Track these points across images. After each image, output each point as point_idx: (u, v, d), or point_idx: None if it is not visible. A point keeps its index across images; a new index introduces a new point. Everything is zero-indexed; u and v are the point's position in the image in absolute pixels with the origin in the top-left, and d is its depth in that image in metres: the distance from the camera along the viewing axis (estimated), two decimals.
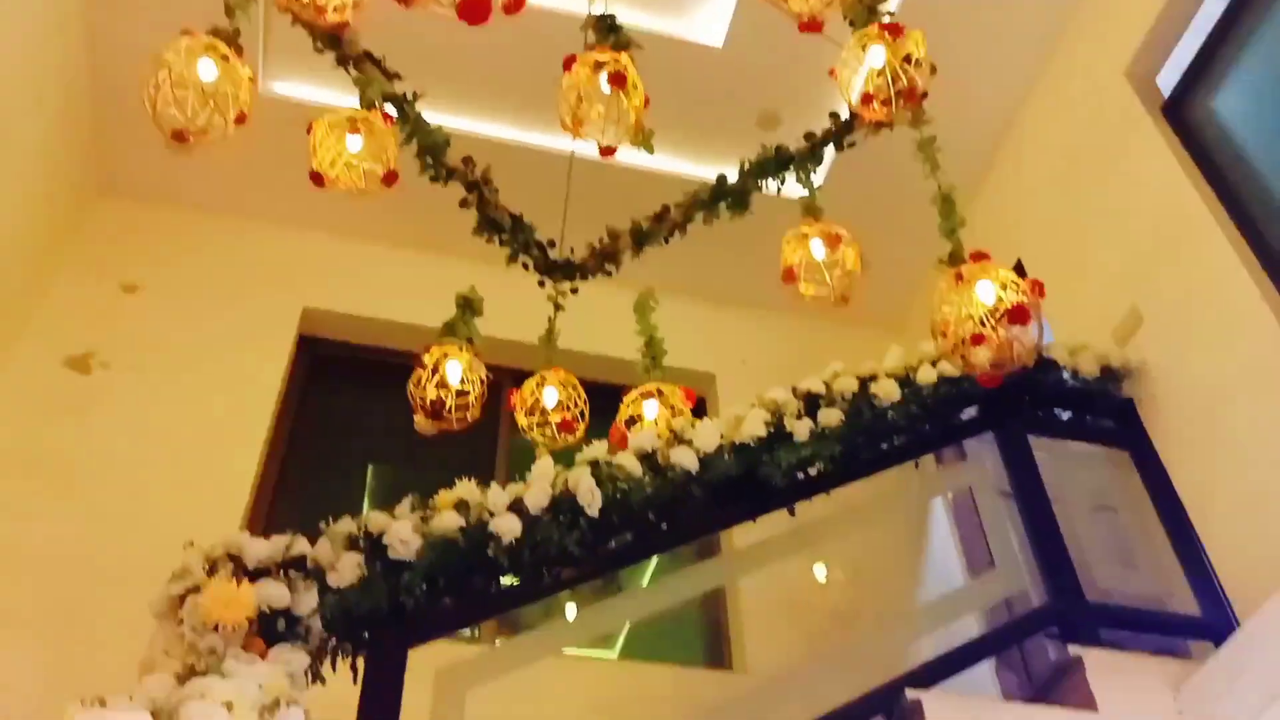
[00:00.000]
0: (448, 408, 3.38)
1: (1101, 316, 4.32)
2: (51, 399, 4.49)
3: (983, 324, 2.92)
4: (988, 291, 2.96)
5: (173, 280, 5.00)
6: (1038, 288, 2.99)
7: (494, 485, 3.07)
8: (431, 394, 3.35)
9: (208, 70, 2.56)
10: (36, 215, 4.69)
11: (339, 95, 4.18)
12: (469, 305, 3.45)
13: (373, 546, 2.78)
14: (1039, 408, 4.05)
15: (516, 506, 3.00)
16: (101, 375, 4.62)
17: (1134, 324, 4.19)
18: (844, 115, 3.47)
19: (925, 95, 2.91)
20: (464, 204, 3.55)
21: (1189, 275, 3.98)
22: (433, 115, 3.37)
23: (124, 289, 4.92)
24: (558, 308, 3.82)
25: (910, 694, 2.89)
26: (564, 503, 3.03)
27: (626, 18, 3.07)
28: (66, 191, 4.95)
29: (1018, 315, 2.91)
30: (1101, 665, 3.11)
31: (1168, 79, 4.40)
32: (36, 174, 4.63)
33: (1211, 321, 3.83)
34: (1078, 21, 4.86)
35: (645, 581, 4.25)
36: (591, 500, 3.02)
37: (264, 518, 4.47)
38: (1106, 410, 4.10)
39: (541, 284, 3.82)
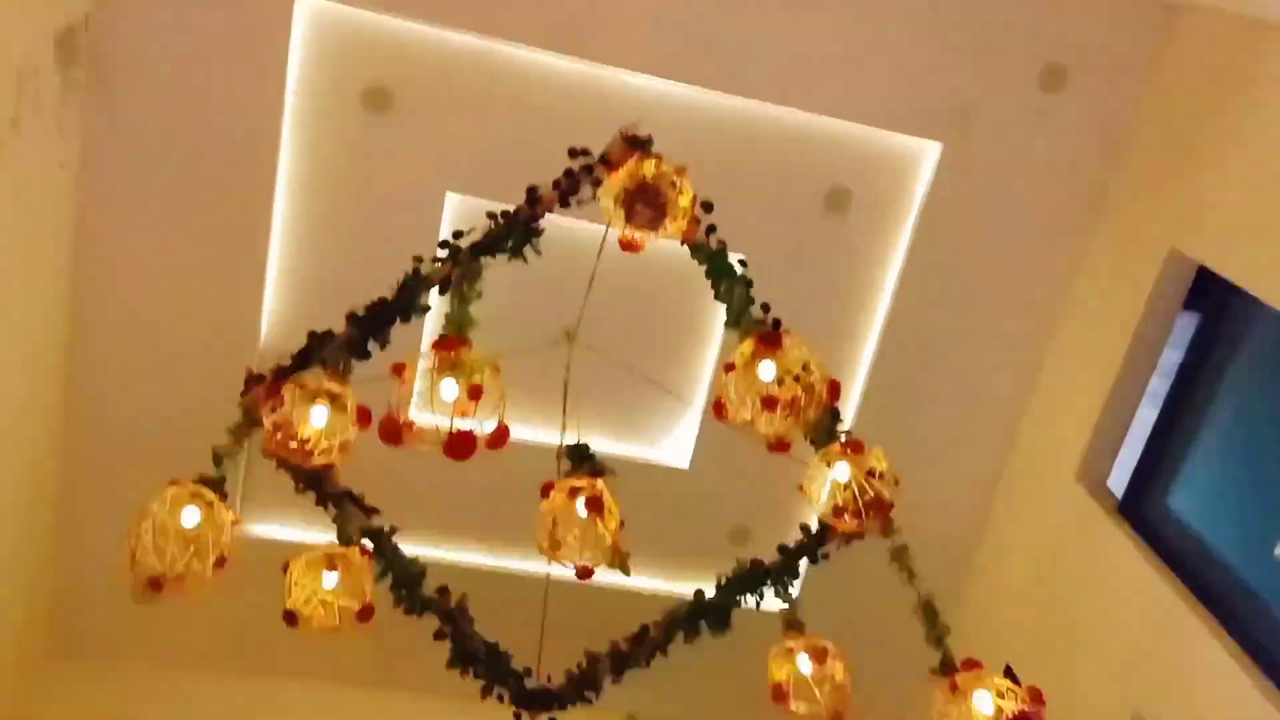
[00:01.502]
0: None
1: None
2: None
3: None
4: (985, 702, 2.86)
5: None
6: (1037, 695, 2.91)
7: None
8: None
9: (191, 518, 2.59)
10: None
11: (303, 532, 4.27)
12: None
13: None
14: None
15: None
16: None
17: None
18: (814, 528, 3.54)
19: (892, 506, 2.98)
20: (439, 635, 3.47)
21: (1183, 675, 3.90)
22: (409, 546, 3.39)
23: None
24: None
25: None
26: None
27: (596, 445, 3.22)
28: (19, 658, 4.78)
29: None
30: None
31: (1118, 480, 4.60)
32: None
33: None
34: (1025, 429, 5.17)
35: None
36: None
37: None
38: None
39: (518, 716, 3.65)
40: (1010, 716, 2.84)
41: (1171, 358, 4.47)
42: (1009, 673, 4.60)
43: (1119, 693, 4.14)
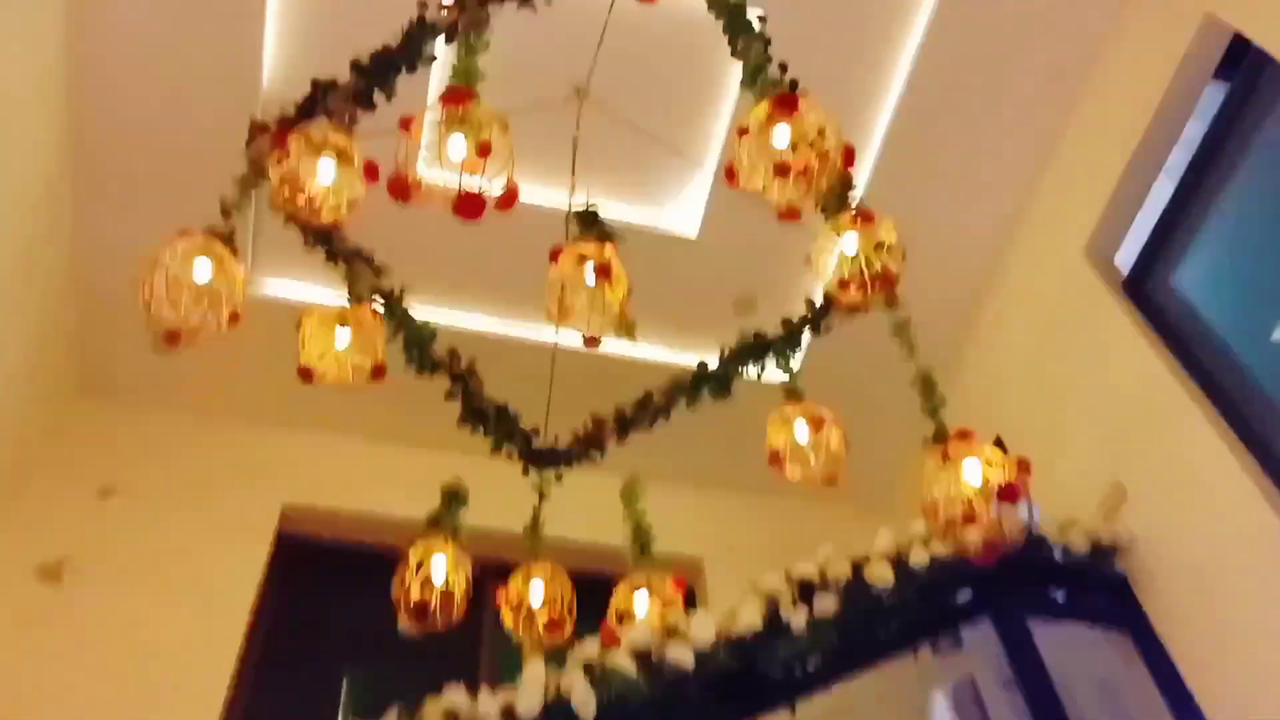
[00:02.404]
0: (433, 607, 3.31)
1: (1085, 491, 4.30)
2: (20, 610, 4.34)
3: (972, 503, 2.91)
4: (975, 470, 2.96)
5: (151, 482, 4.94)
6: (1024, 465, 3.00)
7: (483, 692, 2.96)
8: (416, 594, 3.29)
9: (203, 270, 2.60)
10: (15, 418, 4.66)
11: (322, 290, 4.30)
12: (455, 497, 3.42)
13: None
14: (1033, 587, 3.99)
15: (508, 714, 2.90)
16: (73, 583, 4.48)
17: (1119, 498, 4.18)
18: (819, 300, 3.55)
19: (898, 279, 2.98)
20: (449, 396, 3.56)
21: (1168, 449, 4.01)
22: (419, 309, 3.42)
23: (100, 493, 4.84)
24: (542, 496, 3.79)
25: None
26: (557, 708, 2.92)
27: (605, 209, 3.19)
28: (46, 394, 4.95)
29: (1007, 494, 2.88)
30: None
31: (1126, 257, 4.58)
32: (18, 377, 4.63)
33: (1196, 495, 3.83)
34: (1035, 202, 5.10)
35: None
36: (586, 704, 2.92)
37: None
38: (1102, 587, 4.02)
39: (526, 473, 3.80)
40: (996, 486, 2.91)
41: (1194, 130, 4.36)
42: (999, 443, 4.75)
43: (1104, 463, 4.27)
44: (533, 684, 2.97)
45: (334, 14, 4.45)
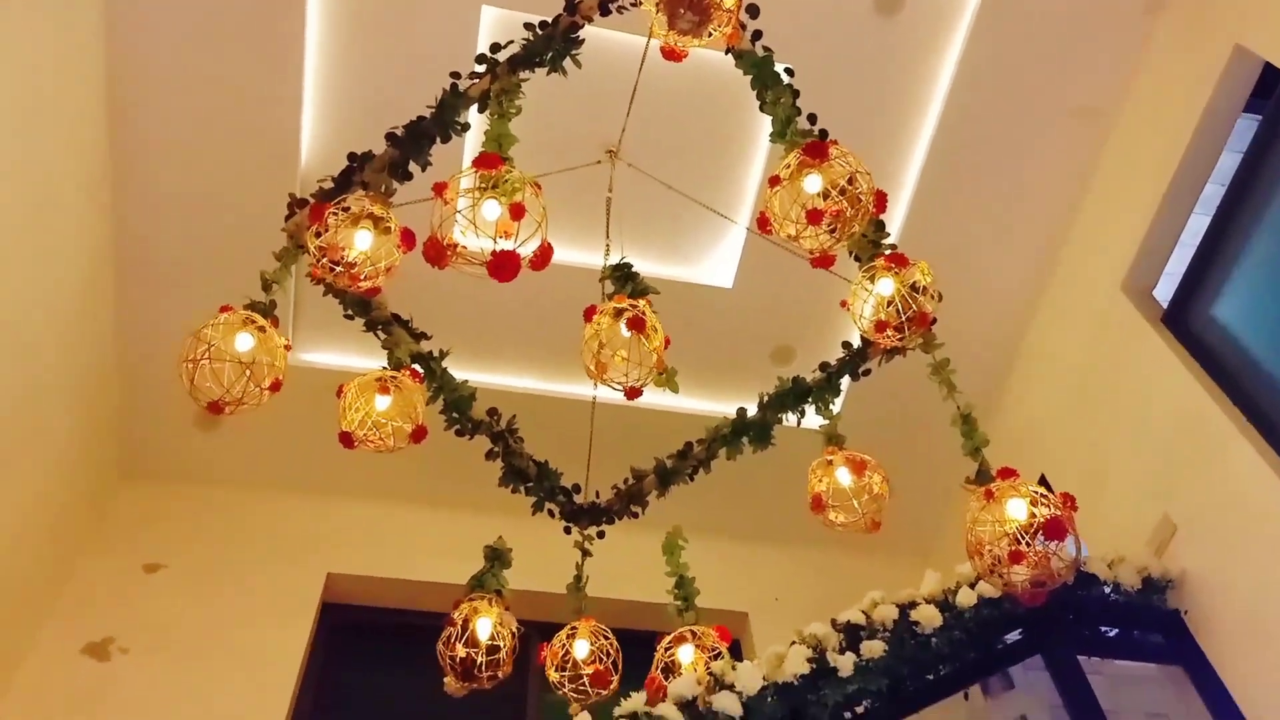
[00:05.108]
0: (478, 665, 3.28)
1: (1133, 527, 4.25)
2: (69, 690, 4.38)
3: (1019, 541, 2.88)
4: (1019, 509, 2.92)
5: (195, 557, 4.99)
6: (1070, 501, 2.96)
7: None
8: (461, 652, 3.26)
9: (245, 342, 2.65)
10: (62, 501, 4.72)
11: (360, 359, 4.35)
12: (498, 556, 3.41)
13: None
14: (1084, 626, 3.92)
15: None
16: (120, 661, 4.53)
17: (1168, 532, 4.12)
18: (856, 344, 3.55)
19: (935, 320, 2.97)
20: (490, 455, 3.57)
21: (1215, 480, 3.96)
22: (459, 371, 3.45)
23: (146, 570, 4.91)
24: (585, 554, 3.77)
25: None
26: None
27: (639, 266, 3.22)
28: (91, 476, 5.01)
29: (1054, 530, 2.85)
30: None
31: (1164, 290, 4.56)
32: (64, 461, 4.70)
33: (1246, 525, 3.77)
34: (1072, 238, 5.09)
35: None
36: None
37: None
38: (1154, 624, 3.95)
39: (568, 530, 3.79)
40: (1043, 522, 2.88)
41: (1228, 162, 4.35)
42: (1043, 481, 4.71)
43: (1151, 497, 4.22)
44: None
45: (369, 87, 4.55)
